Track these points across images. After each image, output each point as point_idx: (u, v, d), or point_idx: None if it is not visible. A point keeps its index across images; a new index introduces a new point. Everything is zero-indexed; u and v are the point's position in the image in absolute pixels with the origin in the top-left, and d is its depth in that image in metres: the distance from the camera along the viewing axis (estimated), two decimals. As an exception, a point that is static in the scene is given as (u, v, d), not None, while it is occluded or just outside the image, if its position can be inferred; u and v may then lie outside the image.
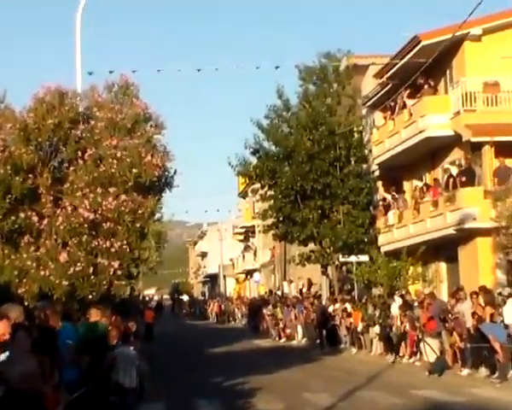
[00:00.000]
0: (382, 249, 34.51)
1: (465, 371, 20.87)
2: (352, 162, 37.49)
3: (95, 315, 14.45)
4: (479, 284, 23.46)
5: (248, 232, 72.84)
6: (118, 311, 18.66)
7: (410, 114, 31.50)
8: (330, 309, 33.50)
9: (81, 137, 19.98)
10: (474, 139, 28.22)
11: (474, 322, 20.81)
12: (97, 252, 18.67)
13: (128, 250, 18.95)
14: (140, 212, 19.19)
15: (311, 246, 38.60)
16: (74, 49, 23.71)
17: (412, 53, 29.99)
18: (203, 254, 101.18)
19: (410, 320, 24.46)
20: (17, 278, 18.41)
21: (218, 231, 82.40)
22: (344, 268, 37.69)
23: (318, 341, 33.56)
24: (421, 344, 22.72)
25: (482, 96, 28.61)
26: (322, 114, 37.27)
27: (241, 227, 75.05)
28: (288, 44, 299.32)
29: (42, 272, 18.28)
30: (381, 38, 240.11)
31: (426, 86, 30.88)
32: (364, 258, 33.76)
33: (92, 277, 18.41)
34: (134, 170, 19.29)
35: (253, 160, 38.92)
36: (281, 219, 38.59)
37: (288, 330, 39.15)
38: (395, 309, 26.25)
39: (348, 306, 31.66)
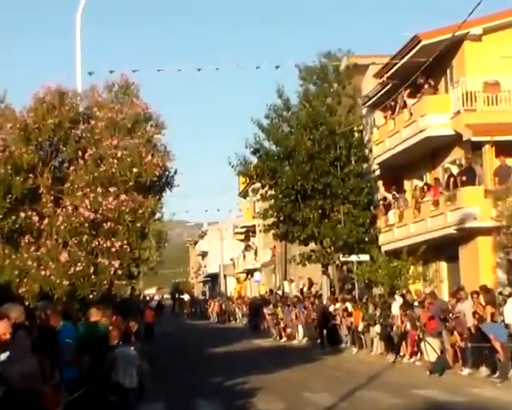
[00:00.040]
0: (383, 249, 34.53)
1: (466, 371, 20.87)
2: (353, 162, 37.50)
3: (95, 315, 14.46)
4: (479, 284, 23.48)
5: (249, 232, 72.85)
6: (118, 311, 18.67)
7: (411, 114, 31.50)
8: (331, 309, 33.50)
9: (81, 137, 19.96)
10: (474, 139, 28.22)
11: (474, 321, 20.82)
12: (98, 252, 18.66)
13: (128, 250, 18.93)
14: (140, 211, 19.18)
15: (312, 246, 38.59)
16: (74, 48, 23.73)
17: (412, 52, 30.00)
18: (204, 254, 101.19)
19: (411, 320, 24.47)
20: (18, 278, 18.39)
21: (219, 231, 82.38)
22: (344, 268, 37.70)
23: (319, 340, 33.57)
24: (422, 344, 22.74)
25: (482, 96, 28.62)
26: (322, 114, 37.28)
27: (242, 227, 75.05)
28: (288, 44, 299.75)
29: (42, 272, 18.26)
30: (381, 37, 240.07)
31: (426, 86, 30.89)
32: (365, 257, 33.78)
33: (93, 276, 18.39)
34: (134, 170, 19.27)
35: (254, 159, 38.95)
36: (281, 218, 38.59)
37: (288, 330, 39.16)
38: (396, 309, 26.25)
39: (349, 305, 31.67)
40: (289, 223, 37.97)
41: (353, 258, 34.53)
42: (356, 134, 38.10)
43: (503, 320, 20.09)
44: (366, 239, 35.98)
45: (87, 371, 12.52)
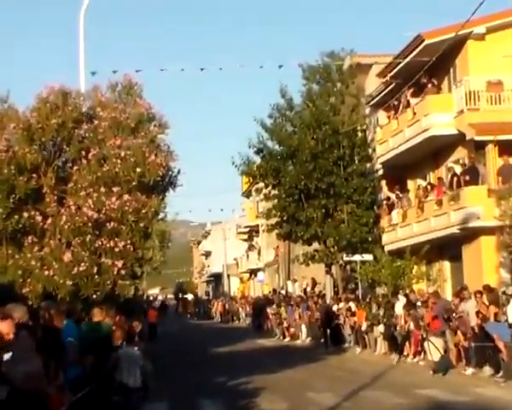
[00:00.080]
0: (386, 248, 34.50)
1: (469, 371, 20.85)
2: (356, 161, 37.47)
3: (98, 315, 14.48)
4: (483, 283, 23.47)
5: (252, 232, 72.80)
6: (122, 311, 18.68)
7: (414, 113, 31.46)
8: (334, 308, 33.50)
9: (85, 137, 19.96)
10: (477, 138, 28.19)
11: (478, 321, 20.80)
12: (101, 252, 18.65)
13: (132, 250, 18.92)
14: (144, 211, 19.17)
15: (315, 245, 38.58)
16: (77, 49, 23.79)
17: (415, 52, 29.97)
18: (207, 254, 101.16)
19: (415, 319, 24.46)
20: (21, 278, 18.39)
21: (222, 231, 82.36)
22: (348, 267, 37.70)
23: (322, 340, 33.55)
24: (426, 343, 22.73)
25: (486, 95, 28.58)
26: (325, 114, 37.26)
27: (245, 226, 74.99)
28: (291, 44, 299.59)
29: (46, 272, 18.26)
30: (384, 37, 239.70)
31: (429, 85, 30.87)
32: (368, 257, 33.79)
33: (96, 276, 18.38)
34: (138, 169, 19.26)
35: (257, 159, 38.92)
36: (285, 218, 38.56)
37: (292, 330, 39.13)
38: (399, 308, 26.24)
39: (352, 305, 31.66)
40: (293, 223, 37.96)
41: (357, 258, 34.54)
42: (359, 133, 38.06)
43: (507, 320, 20.06)
44: (369, 239, 35.95)
45: (91, 371, 12.54)
